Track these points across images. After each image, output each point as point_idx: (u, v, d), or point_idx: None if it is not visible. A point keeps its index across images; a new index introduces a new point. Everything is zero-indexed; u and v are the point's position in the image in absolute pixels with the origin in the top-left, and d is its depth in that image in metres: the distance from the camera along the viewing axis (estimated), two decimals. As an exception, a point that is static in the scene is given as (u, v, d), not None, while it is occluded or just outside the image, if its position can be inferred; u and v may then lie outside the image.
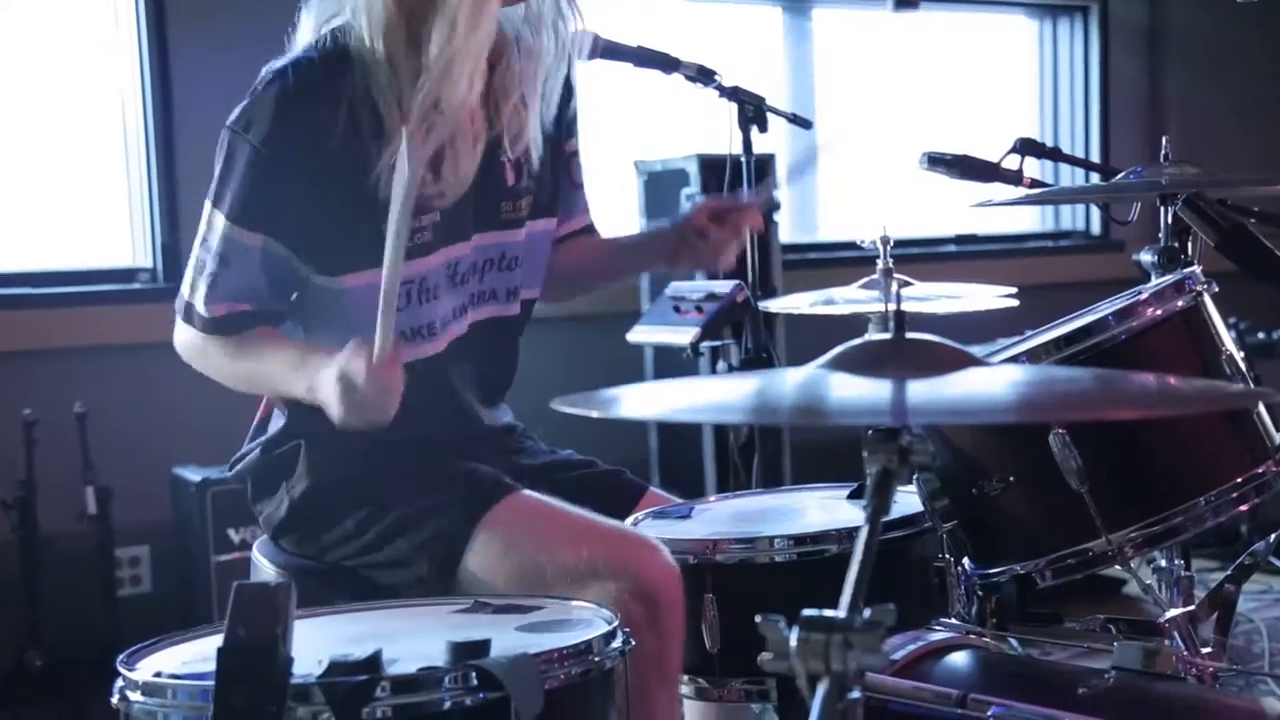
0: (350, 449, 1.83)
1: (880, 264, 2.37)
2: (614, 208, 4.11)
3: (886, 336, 1.17)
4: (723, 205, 2.03)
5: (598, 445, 2.35)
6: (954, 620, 1.80)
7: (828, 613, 1.03)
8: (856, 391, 1.12)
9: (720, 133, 3.62)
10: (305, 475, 1.84)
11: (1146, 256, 2.05)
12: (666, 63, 2.43)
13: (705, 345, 2.58)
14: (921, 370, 1.12)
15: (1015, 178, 2.35)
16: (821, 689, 1.00)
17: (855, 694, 1.01)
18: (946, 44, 5.08)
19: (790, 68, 4.75)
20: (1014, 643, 1.70)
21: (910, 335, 1.16)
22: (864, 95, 4.79)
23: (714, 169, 3.72)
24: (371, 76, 1.76)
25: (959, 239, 5.10)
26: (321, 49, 1.78)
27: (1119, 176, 2.06)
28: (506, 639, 1.40)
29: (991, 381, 1.09)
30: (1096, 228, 5.35)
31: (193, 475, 3.37)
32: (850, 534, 1.76)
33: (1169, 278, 1.71)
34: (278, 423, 1.90)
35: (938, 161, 2.33)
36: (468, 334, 1.90)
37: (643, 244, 2.19)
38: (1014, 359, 1.61)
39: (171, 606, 3.48)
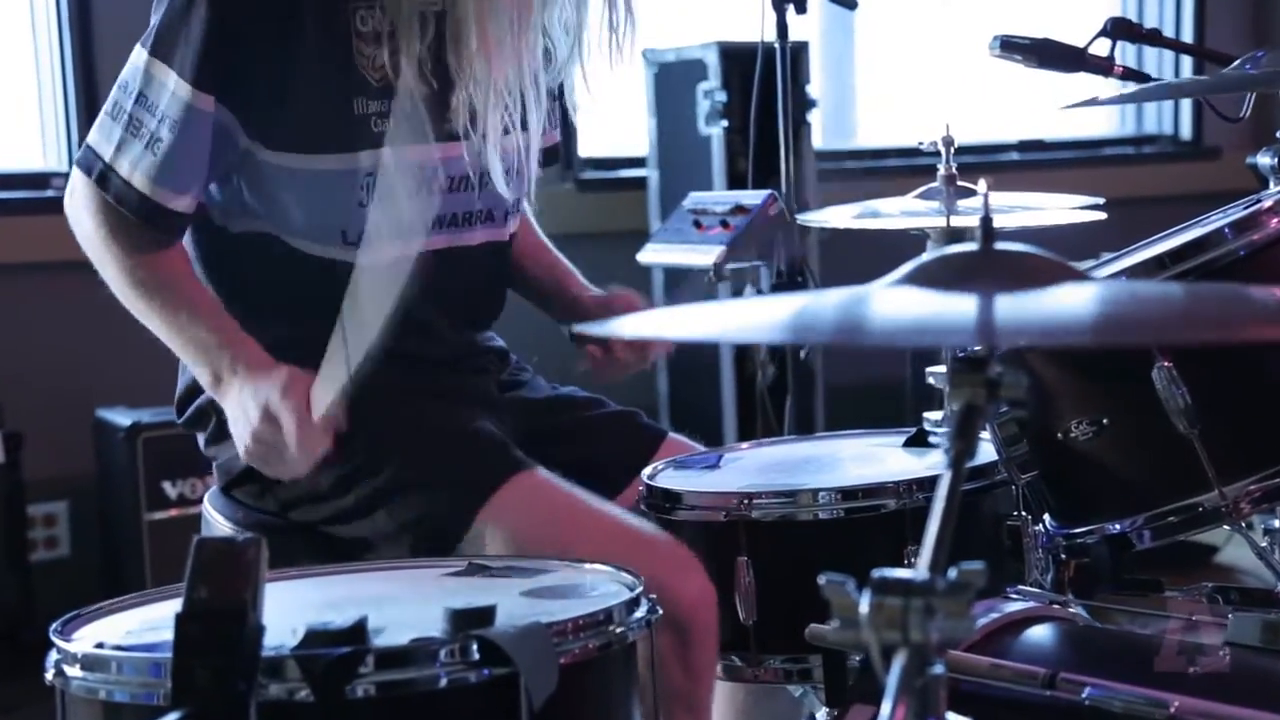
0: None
1: (942, 170, 2.35)
2: (618, 106, 4.07)
3: (972, 248, 1.16)
4: (617, 344, 2.06)
5: (597, 386, 2.35)
6: (1032, 587, 1.80)
7: (904, 573, 1.03)
8: (939, 309, 1.11)
9: (745, 15, 3.59)
10: None
11: (1265, 159, 2.04)
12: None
13: (731, 267, 2.58)
14: (1014, 286, 1.11)
15: (1105, 66, 2.33)
16: (898, 662, 1.00)
17: (937, 668, 1.01)
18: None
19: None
20: (1083, 612, 1.69)
21: (1001, 247, 1.15)
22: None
23: (737, 60, 3.70)
24: None
25: (1023, 145, 5.08)
26: None
27: (1234, 65, 2.04)
28: (512, 606, 1.40)
29: (1096, 299, 1.08)
30: (1187, 130, 5.33)
31: (120, 418, 3.36)
32: (909, 487, 1.76)
33: (1297, 182, 1.69)
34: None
35: (1012, 47, 2.31)
36: (441, 256, 1.89)
37: (564, 295, 2.14)
38: (1114, 277, 1.59)
39: (94, 573, 3.49)
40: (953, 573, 1.03)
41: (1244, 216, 1.58)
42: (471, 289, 1.97)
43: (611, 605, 1.38)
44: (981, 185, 1.16)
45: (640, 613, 1.41)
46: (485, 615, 1.29)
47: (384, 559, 1.75)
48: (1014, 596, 1.63)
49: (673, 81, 3.86)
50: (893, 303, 1.15)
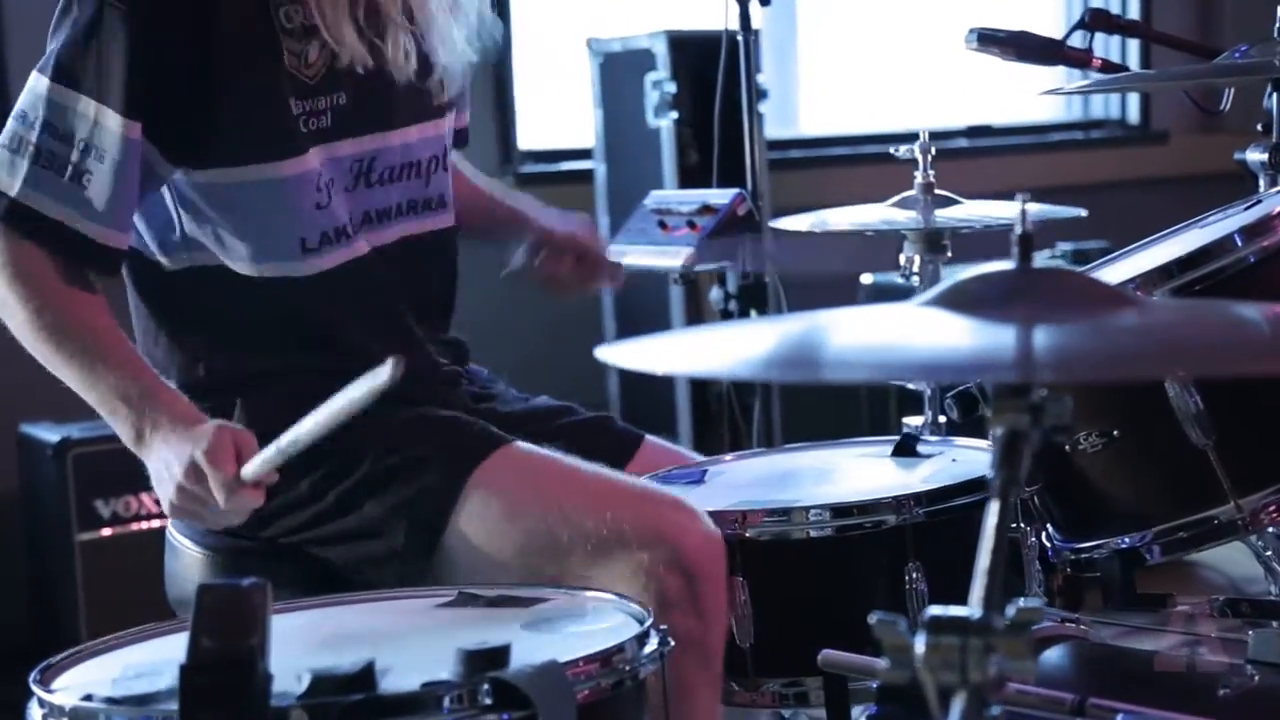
0: (301, 395, 1.81)
1: (919, 177, 2.36)
2: (562, 97, 4.06)
3: (1008, 268, 1.16)
4: (589, 249, 2.14)
5: (542, 383, 2.33)
6: (1034, 602, 1.82)
7: (960, 611, 1.03)
8: (977, 339, 1.10)
9: (692, 4, 3.57)
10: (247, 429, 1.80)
11: (1255, 155, 2.06)
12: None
13: (698, 269, 2.57)
14: (1056, 312, 1.11)
15: (1084, 59, 2.35)
16: (957, 705, 1.00)
17: (995, 710, 1.01)
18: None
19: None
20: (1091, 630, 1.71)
21: (1040, 266, 1.15)
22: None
23: (686, 50, 3.69)
24: None
25: (971, 130, 5.11)
26: None
27: (1222, 58, 2.06)
28: (514, 642, 1.38)
29: (1147, 326, 1.08)
30: (1135, 114, 5.39)
31: (48, 434, 3.29)
32: (909, 502, 1.76)
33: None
34: (190, 374, 1.85)
35: (989, 40, 2.32)
36: (400, 249, 1.89)
37: (506, 221, 2.18)
38: (1120, 286, 1.60)
39: (19, 600, 3.42)
40: (1010, 610, 1.03)
41: (1255, 222, 1.60)
42: (429, 279, 1.96)
43: (623, 640, 1.37)
44: (1018, 200, 1.16)
45: (652, 645, 1.40)
46: (499, 656, 1.28)
47: (368, 584, 1.73)
48: (1023, 615, 1.64)
49: (619, 72, 3.85)
50: (924, 330, 1.14)
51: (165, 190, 1.82)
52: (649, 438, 2.11)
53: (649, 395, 3.86)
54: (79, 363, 1.74)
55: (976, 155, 5.03)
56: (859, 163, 4.68)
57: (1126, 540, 1.67)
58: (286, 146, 1.78)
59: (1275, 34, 2.05)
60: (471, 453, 1.77)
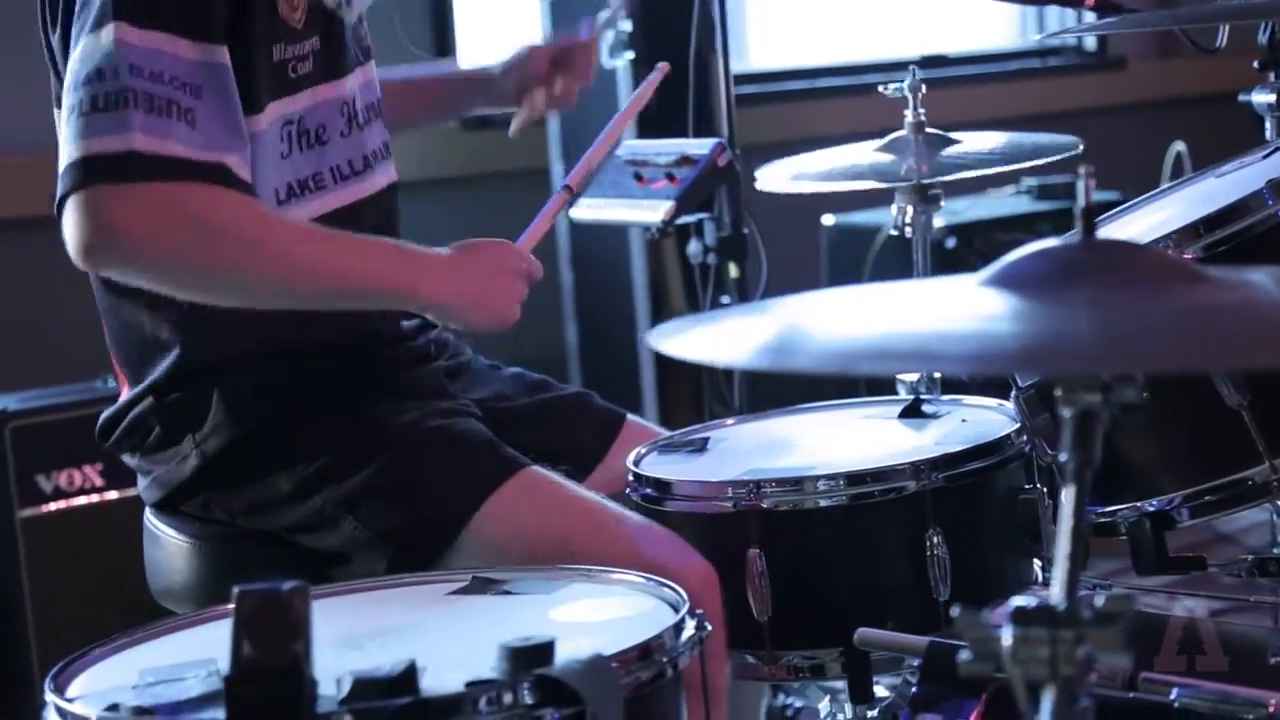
0: (277, 381, 1.80)
1: (909, 116, 2.36)
2: (508, 34, 4.02)
3: (1071, 243, 1.17)
4: (562, 47, 2.17)
5: (497, 336, 2.32)
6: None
7: (1045, 601, 1.04)
8: (1043, 325, 1.10)
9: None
10: (224, 423, 1.79)
11: (1262, 97, 2.08)
12: None
13: (678, 222, 2.57)
14: (1122, 290, 1.11)
15: (1078, -2, 2.36)
16: (1048, 700, 1.02)
17: (1084, 701, 1.03)
18: None
19: None
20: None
21: (1103, 239, 1.16)
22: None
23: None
24: None
25: (925, 60, 5.11)
26: None
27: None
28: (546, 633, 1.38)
29: (1222, 305, 1.09)
30: (1091, 41, 5.42)
31: (-16, 406, 3.24)
32: (927, 466, 1.77)
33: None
34: (161, 362, 1.82)
35: (979, -20, 2.32)
36: (373, 199, 1.88)
37: (471, 84, 2.24)
38: (1152, 244, 1.61)
39: (-41, 577, 3.37)
40: (1099, 599, 1.05)
41: (1285, 176, 1.61)
42: (391, 231, 1.93)
43: (661, 629, 1.38)
44: (1081, 171, 1.16)
45: (689, 632, 1.41)
46: (544, 652, 1.28)
47: (360, 573, 1.73)
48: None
49: (570, 10, 3.80)
50: (984, 314, 1.14)
51: None
52: (630, 417, 2.12)
53: (607, 349, 3.86)
54: (325, 266, 1.69)
55: (930, 86, 5.03)
56: (819, 97, 4.69)
57: (1155, 503, 1.69)
58: (269, 94, 1.74)
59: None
60: (479, 489, 1.75)
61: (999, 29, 5.39)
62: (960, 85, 5.11)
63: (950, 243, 3.79)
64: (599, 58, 2.27)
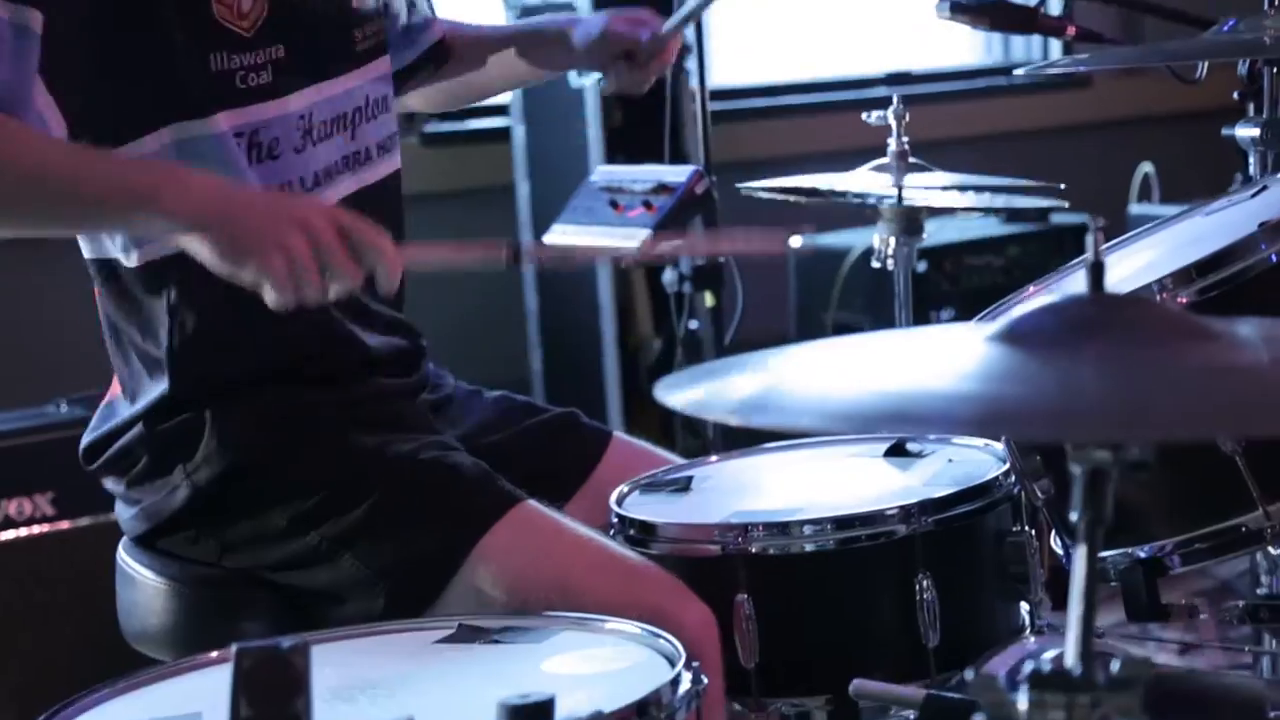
0: (270, 411, 1.79)
1: (892, 145, 2.38)
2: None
3: (1080, 297, 1.17)
4: (634, 36, 2.12)
5: (463, 360, 2.31)
6: (1040, 609, 1.86)
7: (1061, 663, 1.04)
8: (1056, 388, 1.10)
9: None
10: (216, 454, 1.78)
11: (1245, 131, 2.10)
12: None
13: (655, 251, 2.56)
14: (1134, 350, 1.12)
15: (1059, 27, 2.39)
16: (1066, 765, 1.02)
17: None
18: None
19: None
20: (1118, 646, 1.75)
21: (1114, 294, 1.17)
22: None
23: (612, 6, 3.64)
24: None
25: (891, 78, 5.15)
26: None
27: (1210, 32, 2.10)
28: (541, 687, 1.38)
29: (1238, 367, 1.10)
30: (1057, 57, 5.46)
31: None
32: (917, 510, 1.78)
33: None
34: (153, 389, 1.81)
35: (961, 9, 2.34)
36: (369, 194, 1.88)
37: (545, 46, 2.21)
38: (1145, 289, 1.63)
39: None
40: (1115, 664, 1.05)
41: (1277, 221, 1.63)
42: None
43: (658, 685, 1.38)
44: (1092, 225, 1.17)
45: (685, 686, 1.41)
46: (545, 710, 1.28)
47: (350, 615, 1.72)
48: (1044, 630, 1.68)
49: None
50: (989, 372, 1.13)
51: None
52: (617, 434, 2.12)
53: (572, 366, 3.86)
54: (50, 182, 1.62)
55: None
56: (789, 113, 4.72)
57: (1147, 549, 1.70)
58: (205, 105, 1.74)
59: (1266, 6, 2.08)
60: (476, 523, 1.74)
61: (964, 47, 5.44)
62: (926, 103, 5.14)
63: (921, 266, 3.80)
64: (675, 51, 2.20)
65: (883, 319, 3.74)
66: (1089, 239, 1.18)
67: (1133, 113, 5.15)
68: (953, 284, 3.98)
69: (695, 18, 2.20)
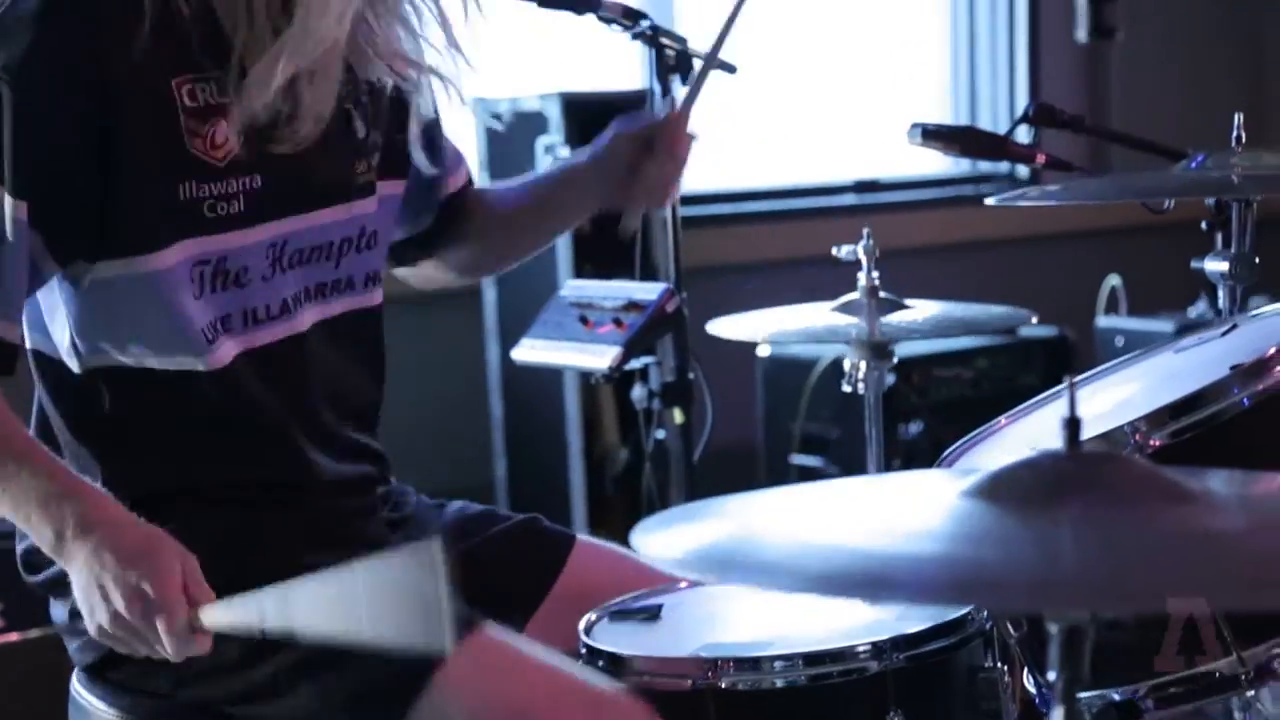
0: (212, 531, 1.77)
1: (863, 280, 2.40)
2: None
3: (1058, 452, 1.18)
4: (646, 129, 2.06)
5: (428, 466, 2.30)
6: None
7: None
8: (1029, 552, 1.10)
9: (585, 64, 3.55)
10: None
11: (1214, 264, 2.12)
12: (581, 2, 2.40)
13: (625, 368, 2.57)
14: (1111, 510, 1.12)
15: (1028, 155, 2.41)
16: None
17: None
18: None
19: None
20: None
21: (1092, 452, 1.18)
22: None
23: (580, 112, 3.69)
24: None
25: (859, 185, 5.20)
26: None
27: (1179, 167, 2.13)
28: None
29: (1217, 532, 1.10)
30: (1024, 169, 5.52)
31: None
32: (889, 647, 1.78)
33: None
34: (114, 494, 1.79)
35: (933, 135, 2.37)
36: (318, 336, 1.88)
37: (569, 196, 2.17)
38: (1119, 430, 1.64)
39: None
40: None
41: (1252, 364, 1.65)
42: (345, 370, 1.93)
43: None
44: (1066, 382, 1.18)
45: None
46: None
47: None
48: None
49: (508, 134, 3.84)
50: (962, 532, 1.13)
51: (57, 283, 1.77)
52: (580, 538, 2.11)
53: (539, 481, 3.85)
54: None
55: (866, 213, 5.12)
56: (758, 220, 4.75)
57: (1120, 693, 1.70)
58: (169, 234, 1.74)
59: (1233, 142, 2.12)
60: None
61: (934, 156, 5.50)
62: (895, 211, 5.20)
63: (889, 379, 3.82)
64: (690, 140, 2.06)
65: (851, 430, 3.77)
66: (1066, 395, 1.19)
67: (1100, 225, 5.21)
68: (921, 396, 4.00)
69: (702, 87, 2.11)
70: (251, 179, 1.77)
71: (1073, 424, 1.18)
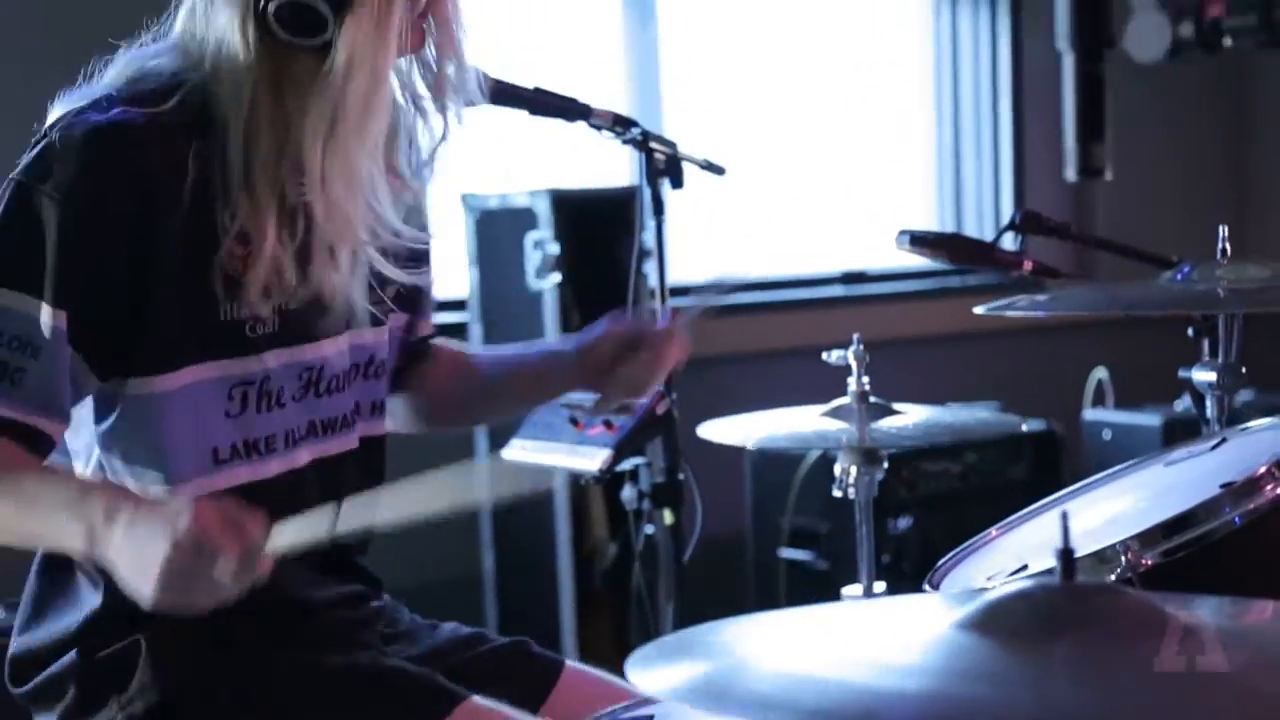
0: (216, 639, 1.78)
1: (853, 385, 2.41)
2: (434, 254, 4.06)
3: (1053, 584, 1.19)
4: (637, 333, 2.07)
5: (414, 558, 2.28)
6: None
7: None
8: (1022, 691, 1.11)
9: (574, 161, 3.59)
10: (152, 686, 1.75)
11: (1202, 374, 2.15)
12: (572, 110, 2.43)
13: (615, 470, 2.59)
14: (1103, 647, 1.13)
15: (1014, 261, 2.45)
16: None
17: None
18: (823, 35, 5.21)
19: (632, 61, 4.77)
20: None
21: (1086, 583, 1.19)
22: (721, 94, 4.87)
23: (568, 209, 3.73)
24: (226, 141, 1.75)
25: (847, 277, 5.24)
26: (156, 90, 1.75)
27: (1164, 278, 2.16)
28: None
29: (1218, 669, 1.11)
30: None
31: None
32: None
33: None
34: (86, 603, 1.79)
35: (921, 241, 2.40)
36: (329, 463, 1.89)
37: (547, 371, 2.18)
38: (1112, 549, 1.65)
39: None
40: None
41: (1243, 483, 1.66)
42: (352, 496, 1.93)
43: None
44: (1059, 512, 1.19)
45: None
46: None
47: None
48: None
49: (496, 229, 3.87)
50: (953, 667, 1.13)
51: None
52: (569, 663, 2.11)
53: (527, 575, 3.85)
54: (12, 517, 1.68)
55: (852, 304, 5.15)
56: (746, 312, 4.77)
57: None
58: (204, 352, 1.77)
59: (1218, 255, 2.14)
60: (424, 716, 1.74)
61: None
62: (882, 302, 5.23)
63: (877, 475, 3.83)
64: (681, 353, 2.08)
65: (839, 525, 3.78)
66: (1059, 527, 1.20)
67: (1087, 319, 5.24)
68: (910, 490, 4.01)
69: (713, 298, 2.13)
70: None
71: (1067, 556, 1.20)
